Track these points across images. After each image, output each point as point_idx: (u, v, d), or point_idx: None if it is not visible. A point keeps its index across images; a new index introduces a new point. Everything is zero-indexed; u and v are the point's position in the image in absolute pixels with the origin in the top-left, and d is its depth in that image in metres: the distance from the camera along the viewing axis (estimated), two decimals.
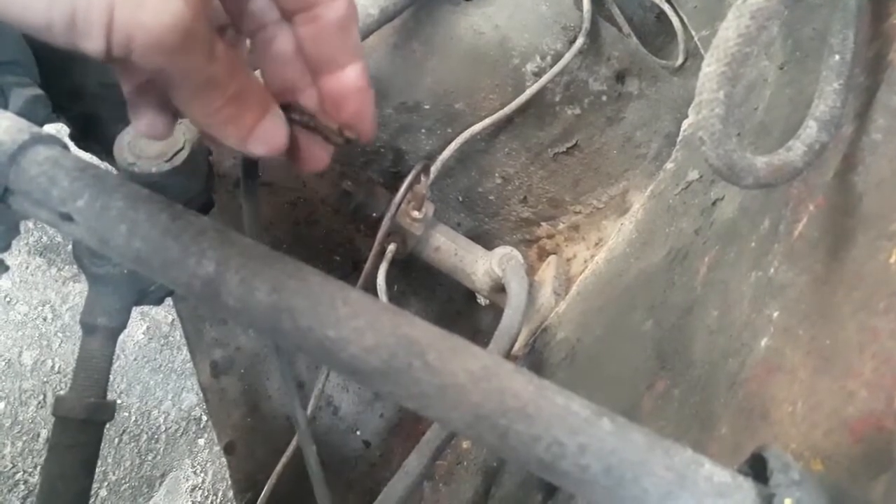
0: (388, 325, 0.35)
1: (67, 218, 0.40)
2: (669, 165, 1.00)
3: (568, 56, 1.03)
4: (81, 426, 0.64)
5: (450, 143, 1.05)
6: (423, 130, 1.07)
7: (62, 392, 0.66)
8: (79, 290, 2.08)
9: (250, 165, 0.69)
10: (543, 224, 1.22)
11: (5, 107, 0.51)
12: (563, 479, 0.33)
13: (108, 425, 0.70)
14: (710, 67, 0.41)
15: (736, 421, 0.52)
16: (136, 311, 0.81)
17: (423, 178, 1.01)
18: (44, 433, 1.91)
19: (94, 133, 0.98)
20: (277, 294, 0.36)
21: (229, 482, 1.95)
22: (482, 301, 1.27)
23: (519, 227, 1.23)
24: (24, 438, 1.89)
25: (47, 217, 0.41)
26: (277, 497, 0.95)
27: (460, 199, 1.19)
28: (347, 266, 1.17)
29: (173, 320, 2.11)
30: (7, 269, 0.53)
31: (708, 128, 0.43)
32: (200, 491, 1.95)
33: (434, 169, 1.05)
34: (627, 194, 1.16)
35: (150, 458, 1.97)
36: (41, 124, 0.57)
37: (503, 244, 1.12)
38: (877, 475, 0.38)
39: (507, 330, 0.89)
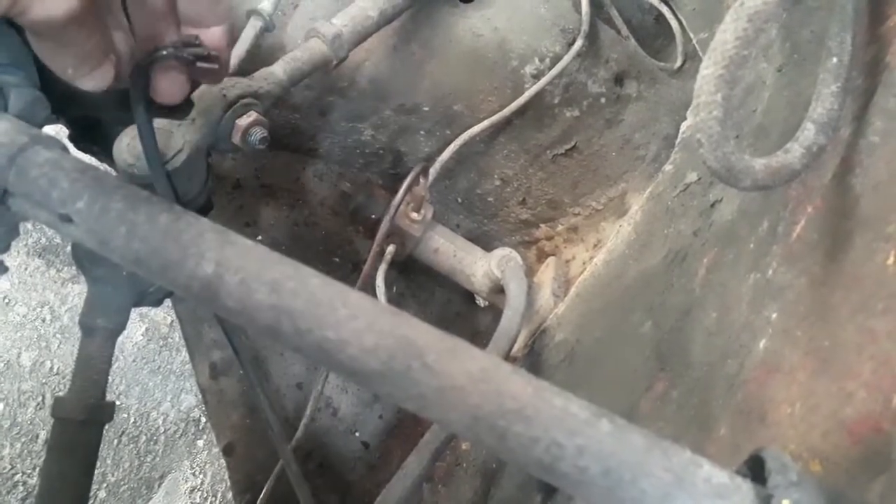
0: (387, 327, 0.35)
1: (67, 219, 0.40)
2: (668, 167, 1.00)
3: (567, 58, 1.03)
4: (80, 427, 0.64)
5: (449, 144, 1.06)
6: (422, 132, 1.07)
7: (61, 393, 0.66)
8: (77, 292, 2.08)
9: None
10: (542, 226, 1.22)
11: (5, 108, 0.51)
12: (562, 480, 0.33)
13: (106, 426, 0.70)
14: (709, 70, 0.41)
15: (735, 422, 0.52)
16: (134, 313, 0.81)
17: (422, 180, 1.01)
18: (42, 434, 1.91)
19: (93, 135, 0.98)
20: (277, 295, 0.36)
21: (228, 483, 1.95)
22: (481, 302, 1.27)
23: (518, 229, 1.23)
24: (23, 440, 1.88)
25: (47, 218, 0.41)
26: (276, 498, 0.95)
27: (459, 200, 1.20)
28: (346, 267, 1.17)
29: (172, 322, 2.11)
30: (6, 270, 0.53)
31: (706, 130, 0.43)
32: (199, 492, 1.95)
33: (433, 170, 1.05)
34: (626, 196, 1.16)
35: (148, 459, 1.96)
36: (40, 126, 0.57)
37: (502, 246, 1.13)
38: (875, 476, 0.39)
39: (506, 331, 0.89)
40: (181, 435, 2.01)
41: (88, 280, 0.71)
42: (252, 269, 0.36)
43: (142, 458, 1.96)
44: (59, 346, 2.01)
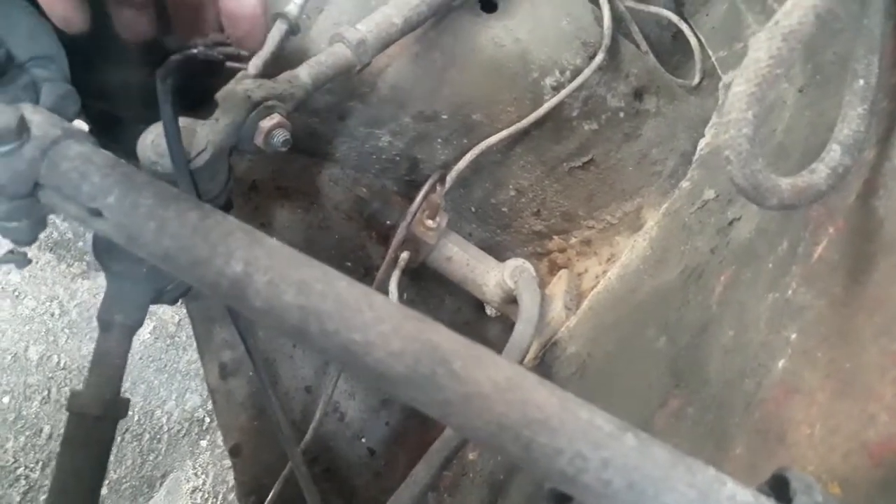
0: (413, 332, 0.35)
1: (97, 214, 0.40)
2: (685, 184, 1.00)
3: (587, 72, 1.03)
4: (95, 423, 0.64)
5: (466, 153, 1.06)
6: (439, 140, 1.08)
7: (78, 387, 0.66)
8: (87, 287, 2.09)
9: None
10: (555, 238, 1.22)
11: (37, 102, 0.52)
12: (585, 492, 0.33)
13: None
14: (740, 87, 0.41)
15: (752, 441, 0.52)
16: None
17: (438, 188, 1.01)
18: (47, 429, 1.91)
19: (114, 131, 0.99)
20: (304, 297, 0.36)
21: (230, 485, 1.94)
22: (491, 312, 1.27)
23: (531, 240, 1.23)
24: (27, 433, 1.89)
25: (76, 212, 0.42)
26: (283, 501, 0.95)
27: (473, 209, 1.20)
28: (358, 272, 1.17)
29: (180, 320, 2.12)
30: (29, 262, 0.53)
31: (735, 147, 0.43)
32: (201, 493, 1.95)
33: (449, 179, 1.05)
34: (641, 211, 1.16)
35: (151, 457, 1.96)
36: (71, 119, 0.57)
37: (514, 256, 1.13)
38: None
39: (519, 342, 0.89)
40: (185, 434, 2.01)
41: (108, 276, 0.71)
42: (280, 270, 0.37)
43: (144, 457, 1.96)
44: (66, 341, 2.02)
